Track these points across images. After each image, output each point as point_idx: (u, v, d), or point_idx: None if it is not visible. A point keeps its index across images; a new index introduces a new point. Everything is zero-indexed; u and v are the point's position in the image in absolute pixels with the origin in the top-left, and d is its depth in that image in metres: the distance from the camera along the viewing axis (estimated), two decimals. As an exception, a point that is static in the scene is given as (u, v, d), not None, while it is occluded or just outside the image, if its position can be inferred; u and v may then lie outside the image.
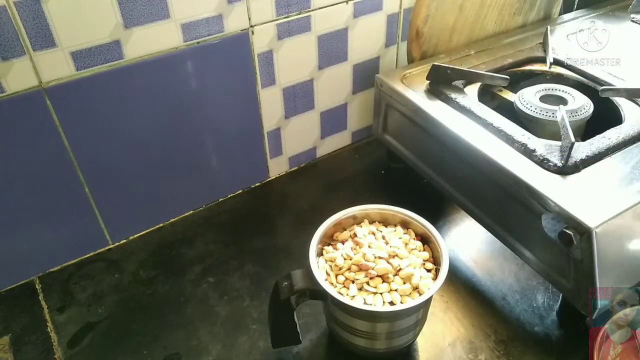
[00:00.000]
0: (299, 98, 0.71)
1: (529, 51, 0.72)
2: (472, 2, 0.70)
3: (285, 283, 0.46)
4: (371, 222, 0.53)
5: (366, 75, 0.75)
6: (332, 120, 0.77)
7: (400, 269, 0.47)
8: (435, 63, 0.64)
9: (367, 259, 0.47)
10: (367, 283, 0.46)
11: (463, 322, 0.55)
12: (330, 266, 0.49)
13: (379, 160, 0.78)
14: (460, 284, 0.59)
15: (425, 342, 0.54)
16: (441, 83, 0.64)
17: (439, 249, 0.49)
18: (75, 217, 0.60)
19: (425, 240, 0.51)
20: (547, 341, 0.53)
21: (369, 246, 0.49)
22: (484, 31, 0.76)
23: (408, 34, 0.70)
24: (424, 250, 0.51)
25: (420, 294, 0.46)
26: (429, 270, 0.49)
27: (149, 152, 0.62)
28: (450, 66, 0.64)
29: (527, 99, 0.61)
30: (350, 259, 0.48)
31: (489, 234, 0.59)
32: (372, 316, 0.46)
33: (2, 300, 0.59)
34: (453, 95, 0.62)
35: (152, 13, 0.54)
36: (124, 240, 0.66)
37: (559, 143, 0.53)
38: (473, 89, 0.65)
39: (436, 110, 0.61)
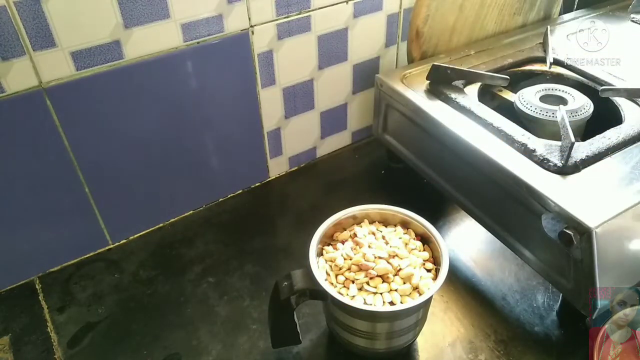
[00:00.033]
0: (299, 98, 0.71)
1: (529, 51, 0.72)
2: (472, 2, 0.70)
3: (285, 283, 0.46)
4: (371, 222, 0.53)
5: (366, 75, 0.75)
6: (332, 120, 0.77)
7: (400, 269, 0.47)
8: (435, 63, 0.64)
9: (367, 259, 0.47)
10: (367, 283, 0.46)
11: (463, 322, 0.55)
12: (330, 266, 0.49)
13: (379, 160, 0.78)
14: (460, 284, 0.59)
15: (425, 342, 0.54)
16: (441, 83, 0.64)
17: (439, 249, 0.49)
18: (75, 217, 0.60)
19: (425, 240, 0.51)
20: (547, 341, 0.53)
21: (369, 246, 0.49)
22: (484, 31, 0.76)
23: (408, 34, 0.70)
24: (424, 250, 0.51)
25: (420, 294, 0.46)
26: (429, 270, 0.49)
27: (149, 152, 0.62)
28: (450, 66, 0.64)
29: (527, 99, 0.61)
30: (350, 259, 0.48)
31: (489, 234, 0.59)
32: (372, 316, 0.46)
33: (2, 300, 0.59)
34: (453, 95, 0.62)
35: (152, 13, 0.54)
36: (124, 240, 0.66)
37: (559, 143, 0.53)
38: (473, 89, 0.65)
39: (436, 110, 0.61)
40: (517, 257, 0.56)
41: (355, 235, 0.51)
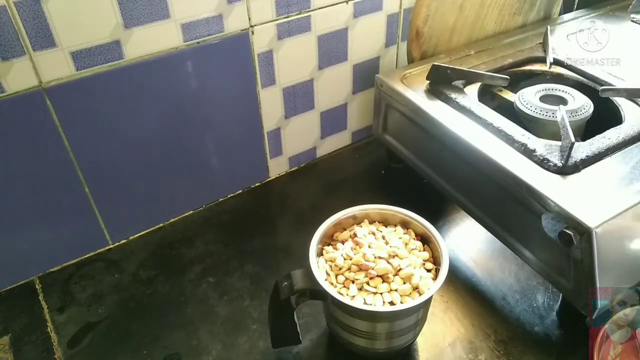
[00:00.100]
0: (299, 98, 0.71)
1: (529, 51, 0.72)
2: (472, 2, 0.70)
3: (285, 283, 0.46)
4: (371, 222, 0.53)
5: (366, 75, 0.75)
6: (332, 120, 0.77)
7: (400, 269, 0.47)
8: (435, 63, 0.64)
9: (367, 259, 0.47)
10: (367, 283, 0.46)
11: (463, 322, 0.55)
12: (330, 266, 0.49)
13: (379, 160, 0.78)
14: (460, 284, 0.59)
15: (425, 342, 0.54)
16: (441, 83, 0.64)
17: (439, 249, 0.49)
18: (75, 217, 0.60)
19: (425, 240, 0.51)
20: (547, 341, 0.53)
21: (369, 246, 0.49)
22: (484, 31, 0.76)
23: (408, 34, 0.70)
24: (424, 250, 0.51)
25: (420, 294, 0.46)
26: (429, 270, 0.49)
27: (149, 152, 0.62)
28: (450, 66, 0.64)
29: (527, 99, 0.61)
30: (350, 259, 0.48)
31: (489, 234, 0.59)
32: (372, 316, 0.46)
33: (2, 300, 0.59)
34: (453, 95, 0.62)
35: (152, 13, 0.54)
36: (124, 240, 0.66)
37: (559, 143, 0.53)
38: (473, 89, 0.65)
39: (436, 110, 0.61)
40: (517, 257, 0.56)
41: (355, 235, 0.51)
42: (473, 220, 0.61)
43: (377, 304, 0.45)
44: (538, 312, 0.55)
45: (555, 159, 0.52)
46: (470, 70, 0.66)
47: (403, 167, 0.71)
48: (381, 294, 0.46)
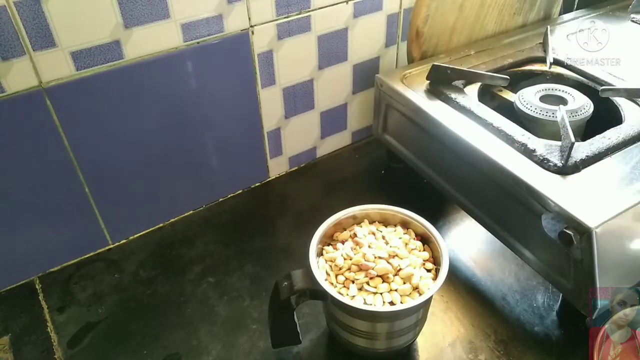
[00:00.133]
0: (299, 98, 0.71)
1: (529, 51, 0.72)
2: (472, 2, 0.70)
3: (285, 283, 0.46)
4: (371, 222, 0.53)
5: (366, 75, 0.75)
6: (332, 120, 0.77)
7: (400, 269, 0.47)
8: (435, 63, 0.64)
9: (367, 259, 0.47)
10: (367, 283, 0.46)
11: (463, 322, 0.55)
12: (330, 266, 0.49)
13: (379, 160, 0.78)
14: (460, 284, 0.59)
15: (425, 342, 0.54)
16: (441, 83, 0.64)
17: (439, 249, 0.49)
18: (75, 217, 0.60)
19: (425, 240, 0.51)
20: (547, 341, 0.53)
21: (369, 246, 0.49)
22: (484, 31, 0.76)
23: (408, 34, 0.70)
24: (424, 250, 0.51)
25: (420, 294, 0.46)
26: (429, 270, 0.49)
27: (149, 152, 0.62)
28: (450, 66, 0.64)
29: (527, 99, 0.61)
30: (350, 259, 0.48)
31: (489, 234, 0.59)
32: (372, 316, 0.46)
33: (2, 300, 0.59)
34: (453, 95, 0.62)
35: (152, 13, 0.54)
36: (124, 240, 0.66)
37: (559, 143, 0.53)
38: (473, 89, 0.65)
39: (436, 110, 0.61)
40: (517, 257, 0.56)
41: (355, 235, 0.51)
42: (473, 220, 0.61)
43: (377, 304, 0.45)
44: (538, 312, 0.55)
45: (555, 159, 0.52)
46: (470, 70, 0.66)
47: (403, 167, 0.71)
48: (381, 294, 0.46)
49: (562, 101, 0.61)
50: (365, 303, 0.45)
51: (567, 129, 0.52)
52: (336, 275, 0.48)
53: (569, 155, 0.51)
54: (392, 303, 0.45)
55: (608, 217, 0.46)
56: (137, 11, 0.53)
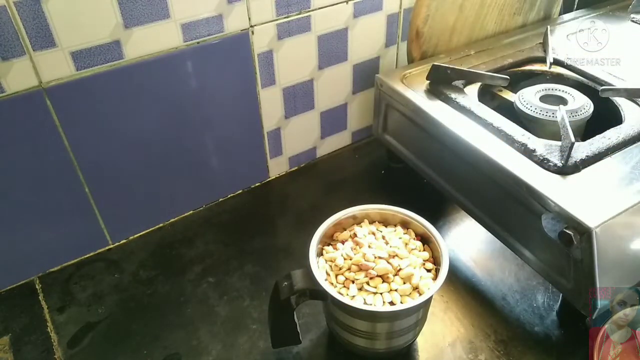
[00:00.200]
0: (299, 98, 0.71)
1: (529, 51, 0.72)
2: (472, 2, 0.70)
3: (285, 283, 0.46)
4: (371, 222, 0.53)
5: (366, 75, 0.75)
6: (332, 120, 0.77)
7: (400, 269, 0.47)
8: (435, 63, 0.64)
9: (367, 259, 0.47)
10: (367, 283, 0.46)
11: (463, 322, 0.55)
12: (330, 266, 0.49)
13: (379, 160, 0.78)
14: (460, 284, 0.59)
15: (425, 342, 0.54)
16: (441, 83, 0.64)
17: (439, 249, 0.49)
18: (75, 217, 0.60)
19: (425, 240, 0.51)
20: (547, 341, 0.53)
21: (369, 246, 0.49)
22: (484, 31, 0.76)
23: (408, 34, 0.70)
24: (424, 250, 0.51)
25: (420, 294, 0.46)
26: (429, 270, 0.49)
27: (149, 152, 0.62)
28: (450, 66, 0.64)
29: (527, 99, 0.61)
30: (350, 259, 0.48)
31: (489, 234, 0.59)
32: (372, 316, 0.46)
33: (2, 300, 0.59)
34: (453, 95, 0.62)
35: (152, 13, 0.54)
36: (124, 240, 0.66)
37: (559, 143, 0.53)
38: (473, 89, 0.65)
39: (436, 110, 0.61)
40: (517, 257, 0.56)
41: (355, 235, 0.51)
42: (473, 220, 0.61)
43: (377, 304, 0.45)
44: (538, 312, 0.55)
45: (555, 159, 0.52)
46: (470, 70, 0.66)
47: (403, 167, 0.71)
48: (381, 294, 0.46)
49: (562, 101, 0.61)
50: (365, 303, 0.45)
51: (567, 129, 0.52)
52: (336, 275, 0.48)
53: (569, 155, 0.51)
54: (392, 303, 0.45)
55: (608, 217, 0.46)
56: (137, 11, 0.53)
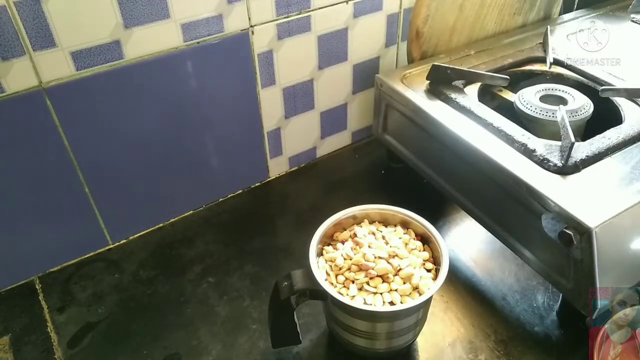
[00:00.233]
0: (299, 98, 0.71)
1: (529, 51, 0.72)
2: (472, 2, 0.70)
3: (285, 283, 0.46)
4: (371, 222, 0.53)
5: (366, 75, 0.75)
6: (332, 120, 0.77)
7: (400, 269, 0.47)
8: (435, 63, 0.64)
9: (367, 259, 0.47)
10: (367, 283, 0.46)
11: (463, 322, 0.55)
12: (330, 266, 0.49)
13: (379, 160, 0.78)
14: (460, 284, 0.59)
15: (425, 342, 0.54)
16: (441, 83, 0.64)
17: (439, 249, 0.49)
18: (75, 217, 0.60)
19: (425, 240, 0.51)
20: (547, 341, 0.53)
21: (369, 246, 0.49)
22: (484, 31, 0.76)
23: (408, 34, 0.70)
24: (424, 250, 0.51)
25: (420, 294, 0.46)
26: (429, 270, 0.49)
27: (149, 152, 0.62)
28: (450, 66, 0.64)
29: (527, 99, 0.61)
30: (350, 259, 0.48)
31: (489, 234, 0.59)
32: (372, 316, 0.46)
33: (2, 300, 0.59)
34: (453, 95, 0.62)
35: (152, 13, 0.54)
36: (124, 240, 0.66)
37: (559, 143, 0.53)
38: (473, 89, 0.65)
39: (436, 110, 0.61)
40: (517, 257, 0.56)
41: (355, 235, 0.51)
42: (473, 220, 0.61)
43: (377, 304, 0.45)
44: (538, 312, 0.55)
45: (555, 159, 0.52)
46: (470, 70, 0.66)
47: (403, 167, 0.71)
48: (381, 294, 0.46)
49: (562, 101, 0.61)
50: (365, 303, 0.45)
51: (567, 129, 0.52)
52: (336, 275, 0.48)
53: (569, 155, 0.51)
54: (392, 303, 0.45)
55: (608, 217, 0.46)
56: (137, 11, 0.53)
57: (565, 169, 0.51)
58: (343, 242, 0.51)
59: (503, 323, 0.55)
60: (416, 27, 0.68)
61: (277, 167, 0.76)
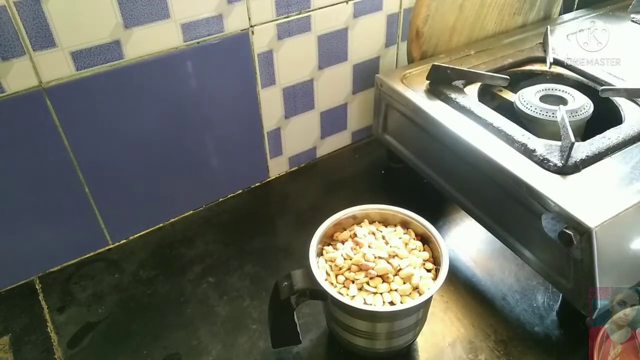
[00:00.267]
0: (299, 98, 0.71)
1: (529, 51, 0.72)
2: (472, 2, 0.70)
3: (285, 283, 0.46)
4: (371, 222, 0.53)
5: (366, 75, 0.75)
6: (332, 120, 0.77)
7: (400, 269, 0.47)
8: (435, 63, 0.64)
9: (367, 259, 0.47)
10: (367, 283, 0.46)
11: (463, 322, 0.55)
12: (330, 266, 0.49)
13: (379, 160, 0.78)
14: (460, 284, 0.59)
15: (425, 342, 0.54)
16: (441, 83, 0.64)
17: (439, 249, 0.49)
18: (75, 217, 0.60)
19: (425, 240, 0.51)
20: (547, 341, 0.53)
21: (369, 246, 0.49)
22: (484, 31, 0.76)
23: (408, 34, 0.70)
24: (424, 250, 0.51)
25: (420, 294, 0.46)
26: (429, 270, 0.49)
27: (149, 152, 0.62)
28: (450, 66, 0.64)
29: (527, 99, 0.61)
30: (350, 259, 0.48)
31: (489, 234, 0.59)
32: (372, 316, 0.46)
33: (2, 300, 0.59)
34: (453, 95, 0.62)
35: (152, 13, 0.54)
36: (124, 240, 0.66)
37: (559, 143, 0.53)
38: (473, 89, 0.65)
39: (436, 110, 0.61)
40: (517, 257, 0.56)
41: (355, 235, 0.51)
42: (473, 220, 0.61)
43: (377, 304, 0.45)
44: (538, 312, 0.55)
45: (555, 159, 0.52)
46: (470, 70, 0.66)
47: (403, 167, 0.71)
48: (381, 294, 0.46)
49: (562, 101, 0.61)
50: (365, 303, 0.45)
51: (567, 129, 0.52)
52: (336, 275, 0.48)
53: (569, 155, 0.51)
54: (392, 303, 0.45)
55: (608, 217, 0.46)
56: (137, 11, 0.53)
57: (565, 169, 0.51)
58: (343, 242, 0.51)
59: (503, 323, 0.55)
60: (416, 27, 0.68)
61: (277, 167, 0.76)
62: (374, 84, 0.69)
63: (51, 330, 0.56)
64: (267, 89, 0.67)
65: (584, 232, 0.45)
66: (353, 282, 0.47)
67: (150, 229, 0.67)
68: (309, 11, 0.64)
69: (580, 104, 0.60)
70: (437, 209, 0.69)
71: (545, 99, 0.62)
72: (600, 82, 0.65)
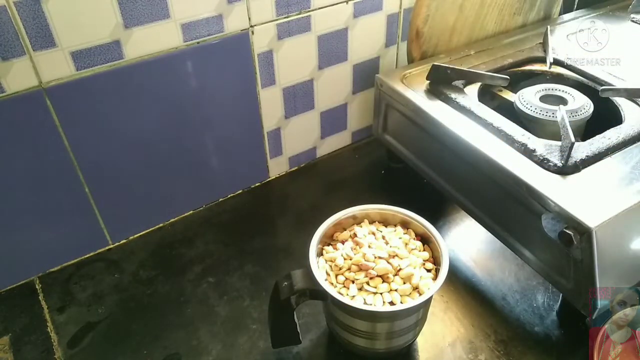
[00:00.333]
0: (299, 98, 0.71)
1: (529, 51, 0.72)
2: (472, 2, 0.70)
3: (285, 283, 0.46)
4: (371, 222, 0.53)
5: (366, 75, 0.75)
6: (332, 120, 0.77)
7: (400, 269, 0.47)
8: (435, 63, 0.64)
9: (367, 259, 0.47)
10: (367, 283, 0.46)
11: (463, 322, 0.55)
12: (330, 266, 0.49)
13: (379, 160, 0.78)
14: (460, 284, 0.59)
15: (425, 342, 0.54)
16: (441, 83, 0.64)
17: (439, 249, 0.49)
18: (75, 217, 0.60)
19: (425, 240, 0.51)
20: (547, 341, 0.53)
21: (369, 246, 0.49)
22: (484, 31, 0.76)
23: (408, 34, 0.70)
24: (424, 250, 0.51)
25: (420, 294, 0.46)
26: (429, 270, 0.49)
27: (149, 152, 0.62)
28: (450, 66, 0.64)
29: (527, 99, 0.61)
30: (350, 259, 0.48)
31: (489, 234, 0.59)
32: (372, 316, 0.46)
33: (2, 300, 0.59)
34: (453, 95, 0.62)
35: (152, 13, 0.54)
36: (124, 240, 0.66)
37: (559, 143, 0.53)
38: (473, 89, 0.65)
39: (436, 110, 0.61)
40: (517, 257, 0.56)
41: (355, 235, 0.51)
42: (473, 220, 0.61)
43: (377, 304, 0.45)
44: (538, 312, 0.55)
45: (555, 159, 0.52)
46: (470, 70, 0.66)
47: (403, 167, 0.71)
48: (381, 294, 0.46)
49: (562, 101, 0.61)
50: (365, 303, 0.45)
51: (567, 129, 0.52)
52: (336, 275, 0.48)
53: (569, 155, 0.51)
54: (392, 303, 0.45)
55: (608, 217, 0.46)
56: (137, 11, 0.53)
57: (565, 169, 0.51)
58: (343, 242, 0.51)
59: (503, 323, 0.55)
60: (416, 27, 0.68)
61: (277, 167, 0.76)
62: (374, 84, 0.69)
63: (51, 330, 0.56)
64: (267, 89, 0.67)
65: (584, 232, 0.45)
66: (353, 282, 0.47)
67: (150, 229, 0.67)
68: (309, 11, 0.64)
69: (580, 104, 0.60)
70: (437, 209, 0.69)
71: (545, 99, 0.62)
72: (600, 82, 0.65)
